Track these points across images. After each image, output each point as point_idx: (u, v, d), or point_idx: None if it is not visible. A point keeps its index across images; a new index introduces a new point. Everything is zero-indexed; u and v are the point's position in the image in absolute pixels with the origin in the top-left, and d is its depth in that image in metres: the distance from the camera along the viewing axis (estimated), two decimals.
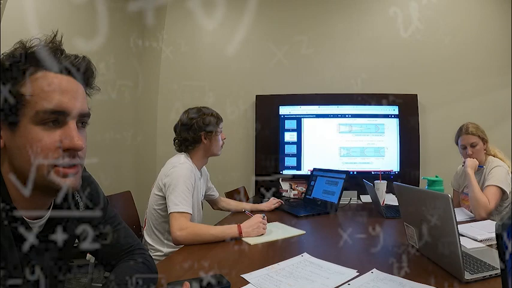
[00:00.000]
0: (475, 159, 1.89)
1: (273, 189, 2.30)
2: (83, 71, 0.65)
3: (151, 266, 0.87)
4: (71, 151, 0.61)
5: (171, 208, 1.43)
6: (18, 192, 0.61)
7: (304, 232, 1.50)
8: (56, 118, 0.60)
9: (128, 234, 0.87)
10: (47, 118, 0.59)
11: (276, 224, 1.66)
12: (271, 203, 2.07)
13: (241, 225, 1.41)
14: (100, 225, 0.81)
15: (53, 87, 0.60)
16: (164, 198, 1.53)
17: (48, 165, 0.59)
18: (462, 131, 1.97)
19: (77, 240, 0.79)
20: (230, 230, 1.40)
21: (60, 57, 0.62)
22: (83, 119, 0.64)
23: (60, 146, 0.60)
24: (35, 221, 0.65)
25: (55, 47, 0.62)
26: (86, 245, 0.82)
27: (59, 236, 0.70)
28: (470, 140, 1.92)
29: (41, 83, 0.59)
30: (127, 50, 3.28)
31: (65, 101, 0.60)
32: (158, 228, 1.59)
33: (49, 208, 0.69)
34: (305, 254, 1.16)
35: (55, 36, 0.63)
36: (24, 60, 0.59)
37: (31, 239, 0.63)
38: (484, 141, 1.92)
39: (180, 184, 1.49)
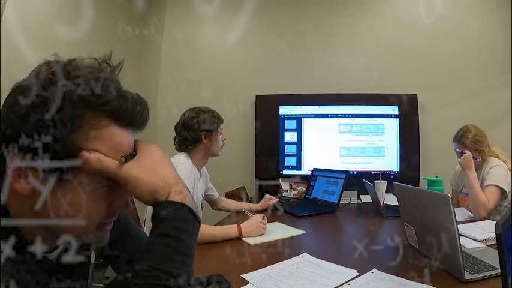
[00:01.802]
0: (467, 157, 1.84)
1: (278, 195, 2.27)
2: (142, 124, 0.55)
3: None
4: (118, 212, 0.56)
5: None
6: (35, 234, 0.50)
7: (304, 232, 1.51)
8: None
9: (141, 238, 0.79)
10: (107, 182, 0.51)
11: (276, 224, 1.65)
12: (265, 200, 2.04)
13: (241, 225, 1.42)
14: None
15: (122, 148, 0.51)
16: None
17: (94, 225, 0.53)
18: (457, 137, 1.96)
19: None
20: (230, 230, 1.40)
21: (134, 110, 0.51)
22: None
23: (110, 207, 0.54)
24: (50, 254, 0.56)
25: (129, 100, 0.50)
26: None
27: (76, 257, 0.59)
28: (460, 149, 1.93)
29: (108, 142, 0.49)
30: (125, 42, 3.24)
31: None
32: None
33: None
34: (305, 254, 1.16)
35: (119, 64, 0.53)
36: (97, 110, 0.48)
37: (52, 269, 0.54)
38: (478, 151, 1.89)
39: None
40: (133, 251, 0.73)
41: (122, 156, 0.50)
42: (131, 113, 0.51)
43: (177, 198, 0.52)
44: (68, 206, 0.48)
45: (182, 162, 1.60)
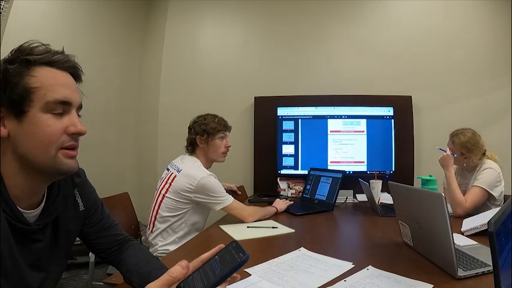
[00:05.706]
0: (445, 157, 1.92)
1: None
2: (75, 68, 0.72)
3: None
4: (75, 135, 0.68)
5: (223, 203, 1.62)
6: (14, 181, 0.65)
7: (294, 230, 1.51)
8: (63, 108, 0.66)
9: (120, 229, 0.95)
10: (55, 107, 0.65)
11: (271, 222, 1.68)
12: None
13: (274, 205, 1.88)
14: (99, 222, 0.90)
15: (57, 81, 0.67)
16: (181, 202, 1.63)
17: (56, 148, 0.65)
18: (452, 134, 2.02)
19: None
20: (271, 209, 1.83)
21: (58, 56, 0.69)
22: (79, 110, 0.71)
23: (65, 132, 0.66)
24: (30, 211, 0.68)
25: (52, 51, 0.69)
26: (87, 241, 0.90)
27: (54, 228, 0.75)
28: (449, 145, 1.99)
29: (47, 77, 0.66)
30: (128, 47, 3.27)
31: (68, 93, 0.68)
32: (173, 228, 1.66)
33: (42, 198, 0.72)
34: (302, 249, 1.19)
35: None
36: (29, 57, 0.65)
37: (25, 228, 0.66)
38: (463, 156, 1.94)
39: (213, 185, 1.62)
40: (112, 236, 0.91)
41: None
42: (62, 60, 0.69)
43: None
44: (37, 131, 0.63)
45: (208, 175, 1.64)
